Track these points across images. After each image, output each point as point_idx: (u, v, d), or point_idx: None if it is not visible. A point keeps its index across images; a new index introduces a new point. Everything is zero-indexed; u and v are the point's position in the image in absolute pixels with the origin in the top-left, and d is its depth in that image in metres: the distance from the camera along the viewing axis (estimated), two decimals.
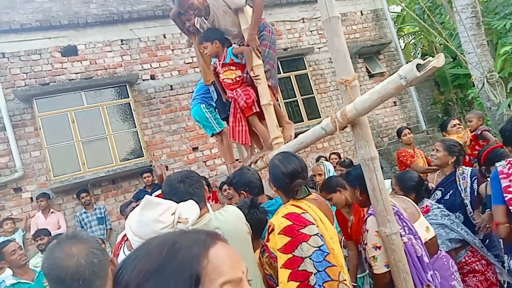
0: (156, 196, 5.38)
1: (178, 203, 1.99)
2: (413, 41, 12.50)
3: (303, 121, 8.71)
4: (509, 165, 2.23)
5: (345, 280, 1.91)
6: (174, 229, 1.47)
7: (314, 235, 1.90)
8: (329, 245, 1.93)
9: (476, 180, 2.92)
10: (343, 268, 1.95)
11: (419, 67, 1.73)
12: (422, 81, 11.37)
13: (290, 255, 1.85)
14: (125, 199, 7.07)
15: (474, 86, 6.23)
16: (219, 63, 3.33)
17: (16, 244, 3.54)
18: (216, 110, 4.21)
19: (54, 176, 6.76)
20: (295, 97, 8.78)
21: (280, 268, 1.85)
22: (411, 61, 1.71)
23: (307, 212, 1.99)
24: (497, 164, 2.27)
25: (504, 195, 2.14)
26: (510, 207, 2.12)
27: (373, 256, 2.16)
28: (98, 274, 1.25)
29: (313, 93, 9.02)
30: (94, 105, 7.24)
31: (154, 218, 1.45)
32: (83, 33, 7.38)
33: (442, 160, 3.01)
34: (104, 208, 6.72)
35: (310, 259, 1.84)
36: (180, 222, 1.52)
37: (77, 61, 7.28)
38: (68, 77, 7.18)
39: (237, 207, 2.46)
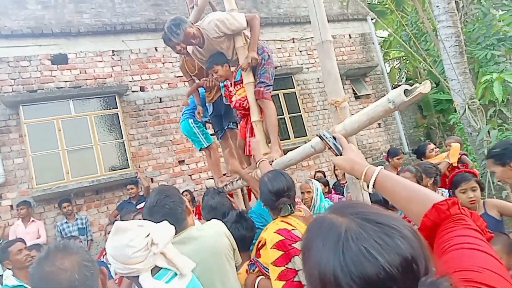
0: (141, 207, 5.33)
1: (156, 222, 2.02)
2: (398, 65, 12.86)
3: (289, 138, 8.82)
4: None
5: None
6: (148, 252, 1.46)
7: None
8: None
9: None
10: None
11: (406, 92, 1.82)
12: (408, 105, 11.66)
13: (283, 268, 1.90)
14: (108, 210, 7.00)
15: (455, 111, 6.45)
16: (231, 83, 3.38)
17: (23, 244, 3.34)
18: (205, 125, 4.28)
19: (36, 184, 6.65)
20: (283, 115, 8.90)
21: (275, 280, 1.90)
22: (396, 84, 1.80)
23: (296, 229, 2.06)
24: None
25: None
26: None
27: None
28: (90, 286, 1.24)
29: (300, 112, 9.16)
30: (81, 114, 7.21)
31: (125, 243, 1.43)
32: (75, 42, 7.39)
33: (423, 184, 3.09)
34: (86, 218, 6.63)
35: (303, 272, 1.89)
36: (154, 244, 1.50)
37: (67, 69, 7.27)
38: (57, 85, 7.15)
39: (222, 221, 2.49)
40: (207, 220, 2.84)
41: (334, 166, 6.70)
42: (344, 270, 0.63)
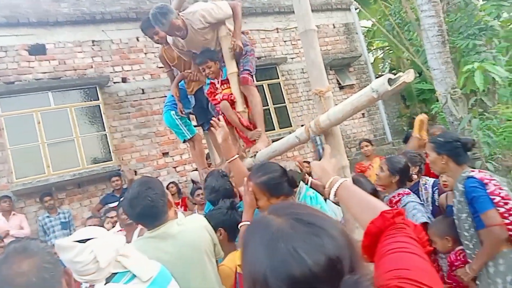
0: None
1: (136, 218, 1.97)
2: (382, 55, 12.92)
3: (274, 129, 8.80)
4: (481, 173, 2.35)
5: None
6: (97, 265, 1.43)
7: None
8: None
9: (437, 191, 3.06)
10: None
11: (390, 81, 1.81)
12: (391, 94, 11.76)
13: None
14: (91, 204, 6.89)
15: (437, 101, 6.51)
16: (218, 81, 3.33)
17: None
18: (189, 116, 4.23)
19: (16, 179, 6.50)
20: (267, 105, 8.87)
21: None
22: (379, 74, 1.79)
23: None
24: (471, 174, 2.35)
25: (492, 197, 2.23)
26: (499, 208, 2.21)
27: None
28: (53, 285, 1.19)
29: (285, 102, 9.14)
30: (61, 106, 7.05)
31: (70, 259, 1.42)
32: (53, 32, 7.18)
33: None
34: (68, 212, 6.50)
35: None
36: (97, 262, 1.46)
37: (45, 60, 7.07)
38: (35, 76, 6.95)
39: (214, 209, 2.46)
40: (208, 201, 2.80)
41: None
42: (273, 269, 0.65)
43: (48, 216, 6.24)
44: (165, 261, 1.79)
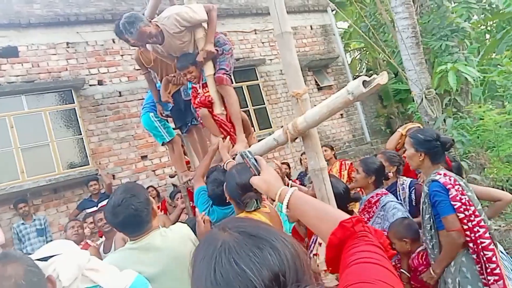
0: (103, 205, 5.16)
1: (119, 227, 1.89)
2: (359, 56, 13.12)
3: (254, 130, 8.78)
4: (446, 176, 2.38)
5: None
6: (59, 284, 1.37)
7: None
8: None
9: (414, 191, 3.12)
10: None
11: (365, 83, 1.84)
12: (368, 95, 11.95)
13: None
14: (68, 210, 6.74)
15: (414, 101, 6.66)
16: (199, 85, 3.30)
17: None
18: (168, 119, 4.18)
19: None
20: (247, 107, 8.87)
21: None
22: (357, 75, 1.82)
23: None
24: (436, 178, 2.37)
25: (453, 203, 2.27)
26: (459, 214, 2.26)
27: (325, 270, 2.21)
28: None
29: (264, 104, 9.17)
30: (36, 110, 6.87)
31: None
32: (25, 34, 6.99)
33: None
34: (44, 219, 6.34)
35: None
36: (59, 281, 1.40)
37: (18, 63, 6.88)
38: (8, 79, 6.75)
39: None
40: (212, 193, 2.70)
41: (300, 158, 6.79)
42: (214, 283, 0.65)
43: (23, 223, 6.07)
44: (149, 274, 1.75)
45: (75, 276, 1.40)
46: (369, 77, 1.85)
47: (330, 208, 1.13)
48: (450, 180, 2.35)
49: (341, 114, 10.14)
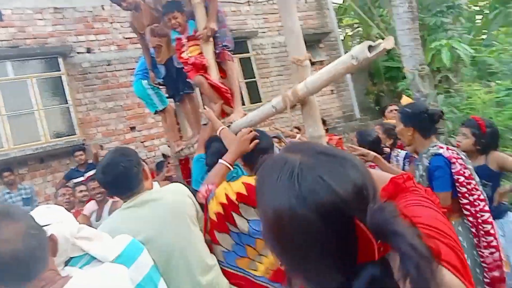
0: (90, 175, 5.10)
1: (109, 187, 1.86)
2: (352, 32, 12.99)
3: (244, 104, 8.73)
4: (450, 150, 2.35)
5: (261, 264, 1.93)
6: None
7: None
8: None
9: (408, 163, 3.15)
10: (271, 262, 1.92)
11: (370, 48, 1.80)
12: (358, 72, 11.90)
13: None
14: (55, 179, 6.65)
15: (404, 79, 6.66)
16: (184, 37, 3.21)
17: None
18: (160, 87, 4.10)
19: None
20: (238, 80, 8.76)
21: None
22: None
23: None
24: (439, 151, 2.33)
25: (457, 177, 2.26)
26: (462, 188, 2.25)
27: None
28: (38, 257, 1.11)
29: (255, 77, 9.07)
30: (21, 77, 6.67)
31: None
32: None
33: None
34: (30, 188, 6.24)
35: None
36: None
37: (2, 27, 6.61)
38: None
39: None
40: (212, 164, 2.64)
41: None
42: (300, 199, 0.64)
43: (8, 192, 5.98)
44: (145, 226, 1.73)
45: (65, 247, 1.34)
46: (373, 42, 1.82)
47: (379, 172, 1.17)
48: (453, 154, 2.32)
49: (332, 90, 10.10)
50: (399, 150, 3.25)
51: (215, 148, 2.56)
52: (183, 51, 3.22)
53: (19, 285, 1.09)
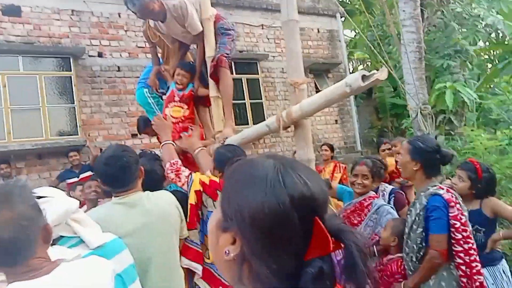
0: (84, 177, 5.11)
1: (109, 179, 1.92)
2: (361, 67, 13.17)
3: (248, 124, 8.79)
4: (450, 193, 2.24)
5: None
6: None
7: None
8: None
9: (393, 198, 3.14)
10: None
11: (364, 78, 1.84)
12: (364, 106, 12.00)
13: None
14: (51, 177, 6.65)
15: (408, 116, 6.70)
16: (179, 95, 3.30)
17: None
18: (162, 97, 4.15)
19: None
20: (244, 99, 8.85)
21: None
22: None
23: None
24: (439, 192, 2.22)
25: (453, 222, 2.15)
26: (457, 234, 2.15)
27: None
28: (22, 246, 1.12)
29: (261, 99, 9.16)
30: (31, 73, 6.78)
31: None
32: None
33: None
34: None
35: None
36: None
37: (19, 23, 6.76)
38: (6, 38, 6.64)
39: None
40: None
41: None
42: (281, 188, 0.69)
43: None
44: (132, 228, 1.79)
45: (60, 221, 1.41)
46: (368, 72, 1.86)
47: None
48: (452, 197, 2.20)
49: (336, 120, 10.17)
50: (386, 184, 3.25)
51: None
52: (169, 106, 3.30)
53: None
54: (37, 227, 1.17)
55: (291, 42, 2.36)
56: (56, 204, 1.42)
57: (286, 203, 0.68)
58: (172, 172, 2.31)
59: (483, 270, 2.34)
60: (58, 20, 7.10)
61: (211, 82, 3.22)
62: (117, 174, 1.85)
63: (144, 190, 2.00)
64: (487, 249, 2.77)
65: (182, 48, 3.66)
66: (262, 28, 9.38)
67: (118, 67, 7.51)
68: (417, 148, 2.29)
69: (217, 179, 2.24)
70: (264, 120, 8.87)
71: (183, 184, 2.25)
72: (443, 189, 2.23)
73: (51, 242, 1.38)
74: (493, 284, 2.73)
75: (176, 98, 3.30)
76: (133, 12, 3.71)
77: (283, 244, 0.70)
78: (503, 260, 2.87)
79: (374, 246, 2.68)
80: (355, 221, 2.93)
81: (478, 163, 2.91)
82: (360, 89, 1.86)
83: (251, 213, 0.70)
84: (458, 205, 2.19)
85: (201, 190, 2.14)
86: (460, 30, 7.29)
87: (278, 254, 0.70)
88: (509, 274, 2.83)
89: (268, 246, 0.70)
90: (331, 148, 6.23)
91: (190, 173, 2.29)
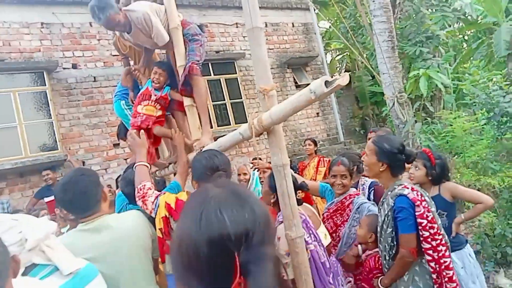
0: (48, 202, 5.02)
1: (67, 205, 1.91)
2: (338, 57, 13.26)
3: (230, 124, 8.80)
4: (414, 191, 2.30)
5: None
6: (22, 248, 1.35)
7: None
8: None
9: (373, 191, 3.20)
10: None
11: (327, 83, 1.87)
12: (344, 96, 12.10)
13: None
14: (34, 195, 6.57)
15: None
16: (155, 95, 3.25)
17: None
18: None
19: None
20: (224, 100, 8.85)
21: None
22: (335, 75, 1.81)
23: None
24: (404, 192, 2.27)
25: (420, 221, 2.21)
26: (425, 232, 2.21)
27: (286, 263, 2.25)
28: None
29: (241, 98, 9.17)
30: (4, 90, 6.66)
31: None
32: None
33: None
34: (8, 203, 6.16)
35: None
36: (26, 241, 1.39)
37: None
38: None
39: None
40: (123, 193, 2.79)
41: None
42: (197, 227, 0.78)
43: None
44: (98, 253, 1.76)
45: (39, 242, 1.40)
46: (331, 78, 1.89)
47: None
48: (418, 195, 2.26)
49: (317, 113, 10.24)
50: (366, 178, 3.30)
51: (125, 175, 2.73)
52: (142, 104, 3.22)
53: None
54: (8, 258, 1.14)
55: (256, 49, 2.38)
56: (35, 226, 1.41)
57: (198, 238, 0.76)
58: (139, 199, 2.22)
59: (453, 255, 2.49)
60: (28, 34, 6.99)
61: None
62: (76, 199, 1.81)
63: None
64: (452, 233, 2.94)
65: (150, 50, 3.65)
66: (237, 27, 9.36)
67: (94, 78, 7.43)
68: (383, 150, 2.36)
69: (184, 198, 2.18)
70: (246, 119, 8.94)
71: (150, 212, 2.17)
72: (408, 188, 2.30)
73: (23, 271, 1.37)
74: (462, 268, 2.84)
75: (153, 97, 3.25)
76: (100, 25, 3.70)
77: (203, 275, 0.77)
78: (467, 244, 3.05)
79: (359, 246, 2.75)
80: (339, 222, 2.99)
81: (431, 151, 3.21)
82: (324, 95, 1.88)
83: (176, 243, 0.81)
84: (424, 203, 2.25)
85: (167, 215, 2.06)
86: (429, 16, 7.39)
87: (191, 283, 0.78)
88: (474, 256, 2.98)
89: (184, 274, 0.80)
90: (315, 142, 6.29)
91: (157, 197, 2.19)
